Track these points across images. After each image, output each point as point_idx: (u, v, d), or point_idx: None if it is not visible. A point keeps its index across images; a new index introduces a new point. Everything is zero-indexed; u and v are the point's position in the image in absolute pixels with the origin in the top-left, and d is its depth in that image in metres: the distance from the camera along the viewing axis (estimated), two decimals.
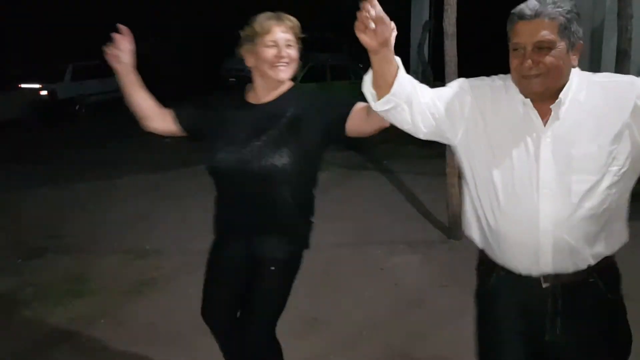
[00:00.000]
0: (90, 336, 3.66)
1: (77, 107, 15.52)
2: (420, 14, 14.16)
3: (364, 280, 4.41)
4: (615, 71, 7.08)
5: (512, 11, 1.69)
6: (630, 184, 1.77)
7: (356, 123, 2.18)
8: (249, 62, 2.25)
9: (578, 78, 1.75)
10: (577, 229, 1.72)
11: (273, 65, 2.20)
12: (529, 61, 1.65)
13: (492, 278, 1.87)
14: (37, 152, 10.44)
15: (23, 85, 14.71)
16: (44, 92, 14.92)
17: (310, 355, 3.35)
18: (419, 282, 4.38)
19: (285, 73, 2.24)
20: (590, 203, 1.70)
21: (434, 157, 8.57)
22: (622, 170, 1.70)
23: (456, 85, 1.90)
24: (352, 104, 2.22)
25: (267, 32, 2.20)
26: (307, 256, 5.01)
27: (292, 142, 2.20)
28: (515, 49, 1.69)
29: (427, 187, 6.86)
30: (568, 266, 1.76)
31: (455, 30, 5.07)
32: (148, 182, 7.83)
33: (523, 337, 1.84)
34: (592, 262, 1.77)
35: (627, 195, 1.79)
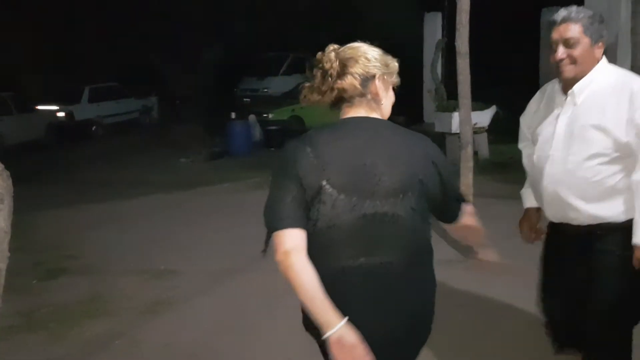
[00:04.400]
0: (106, 357, 3.66)
1: (93, 128, 15.76)
2: (433, 32, 14.19)
3: None
4: None
5: (549, 20, 2.32)
6: (615, 170, 2.24)
7: None
8: (381, 95, 1.91)
9: (604, 73, 2.29)
10: (568, 189, 2.30)
11: None
12: (560, 51, 2.26)
13: (549, 223, 2.52)
14: (53, 173, 10.58)
15: (41, 107, 14.96)
16: (61, 114, 15.16)
17: None
18: (436, 302, 4.33)
19: None
20: (580, 172, 2.26)
21: None
22: (608, 155, 2.22)
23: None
24: None
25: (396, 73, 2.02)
26: None
27: None
28: (552, 47, 2.29)
29: None
30: (567, 218, 2.36)
31: (467, 48, 5.08)
32: (164, 202, 7.87)
33: (560, 269, 2.52)
34: (586, 221, 2.31)
35: (616, 181, 2.24)
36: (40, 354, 3.73)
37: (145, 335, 3.91)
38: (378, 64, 1.88)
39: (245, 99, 17.42)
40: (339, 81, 1.85)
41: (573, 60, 2.25)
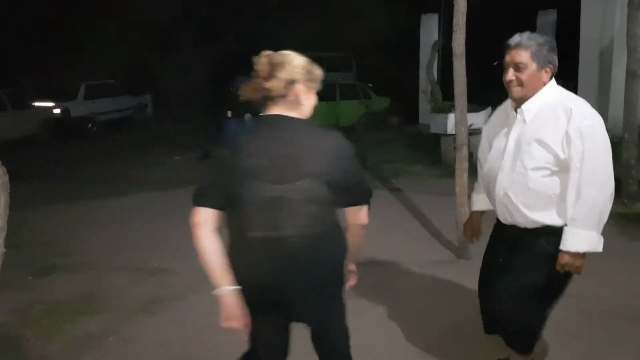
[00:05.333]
0: (98, 354, 3.66)
1: (89, 125, 15.70)
2: (430, 34, 14.23)
3: (373, 300, 4.38)
4: (625, 91, 7.07)
5: (506, 43, 2.58)
6: (555, 182, 2.51)
7: None
8: (302, 99, 2.24)
9: (551, 94, 2.57)
10: (515, 196, 2.59)
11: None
12: (510, 73, 2.57)
13: (495, 222, 2.86)
14: (49, 170, 10.54)
15: (37, 104, 14.91)
16: (57, 111, 15.11)
17: None
18: (429, 303, 4.36)
19: None
20: (525, 182, 2.54)
21: (442, 176, 8.58)
22: (549, 169, 2.50)
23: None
24: None
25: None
26: None
27: None
28: (504, 68, 2.60)
29: (436, 206, 6.84)
30: (515, 221, 2.64)
31: (464, 50, 5.09)
32: (158, 200, 7.86)
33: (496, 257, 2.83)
34: (529, 225, 2.60)
35: (556, 192, 2.52)
36: (33, 351, 3.72)
37: (138, 333, 3.91)
38: (302, 71, 2.20)
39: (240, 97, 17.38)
40: (266, 83, 2.17)
41: (520, 83, 2.55)
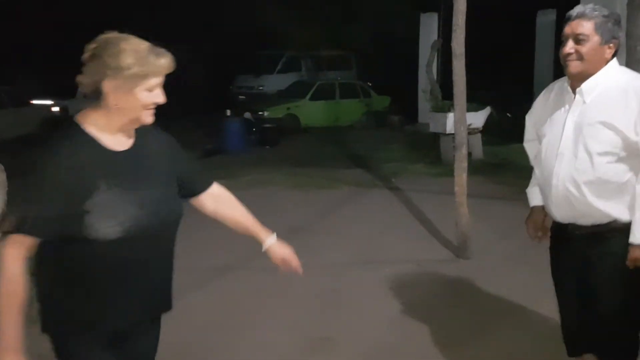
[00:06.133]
0: None
1: None
2: (429, 33, 14.23)
3: (373, 299, 4.38)
4: None
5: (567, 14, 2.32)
6: (622, 169, 2.26)
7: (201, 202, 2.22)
8: (114, 99, 1.78)
9: (614, 73, 2.32)
10: (579, 186, 2.27)
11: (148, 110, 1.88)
12: (569, 46, 2.27)
13: (553, 227, 2.54)
14: None
15: (35, 102, 14.89)
16: (55, 109, 15.09)
17: None
18: (428, 302, 4.35)
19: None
20: (590, 169, 2.25)
21: (442, 175, 8.57)
22: (616, 154, 2.23)
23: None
24: (209, 182, 2.19)
25: (158, 74, 1.86)
26: (317, 274, 4.97)
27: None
28: (563, 40, 2.31)
29: (435, 205, 6.83)
30: (575, 218, 2.34)
31: (463, 50, 5.10)
32: None
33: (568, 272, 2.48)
34: (595, 219, 2.30)
35: (625, 180, 2.26)
36: (33, 349, 3.70)
37: None
38: (115, 65, 1.72)
39: (240, 97, 17.41)
40: (79, 74, 1.77)
41: (580, 57, 2.26)
